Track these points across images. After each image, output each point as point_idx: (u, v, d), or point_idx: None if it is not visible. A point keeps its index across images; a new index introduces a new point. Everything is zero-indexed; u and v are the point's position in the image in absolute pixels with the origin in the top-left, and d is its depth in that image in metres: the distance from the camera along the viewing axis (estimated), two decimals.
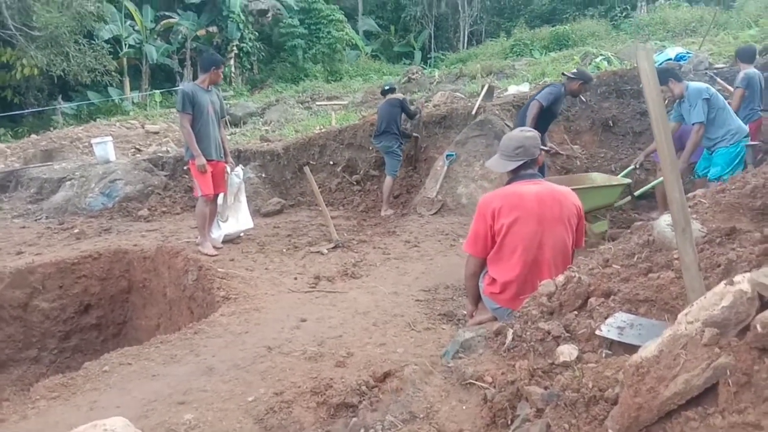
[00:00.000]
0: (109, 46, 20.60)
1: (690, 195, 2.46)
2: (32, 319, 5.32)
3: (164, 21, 23.78)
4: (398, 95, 7.35)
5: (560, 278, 2.13)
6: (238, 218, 5.97)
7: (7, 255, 5.96)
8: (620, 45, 18.74)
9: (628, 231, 2.65)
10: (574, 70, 5.92)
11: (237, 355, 3.43)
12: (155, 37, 23.52)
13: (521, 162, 2.79)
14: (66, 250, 5.95)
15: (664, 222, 2.08)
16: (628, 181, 5.29)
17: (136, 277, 5.66)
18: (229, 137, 10.45)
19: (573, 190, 4.86)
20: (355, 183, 7.80)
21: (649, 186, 5.45)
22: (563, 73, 6.09)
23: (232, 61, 24.89)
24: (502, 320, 2.78)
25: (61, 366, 5.45)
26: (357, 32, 30.08)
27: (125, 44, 21.86)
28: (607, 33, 24.17)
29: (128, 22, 22.78)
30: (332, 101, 13.43)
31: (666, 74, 5.28)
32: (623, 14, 25.71)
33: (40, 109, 19.42)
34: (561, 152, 6.36)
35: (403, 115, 7.16)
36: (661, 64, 13.41)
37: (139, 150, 11.40)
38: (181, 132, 5.19)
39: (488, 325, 2.92)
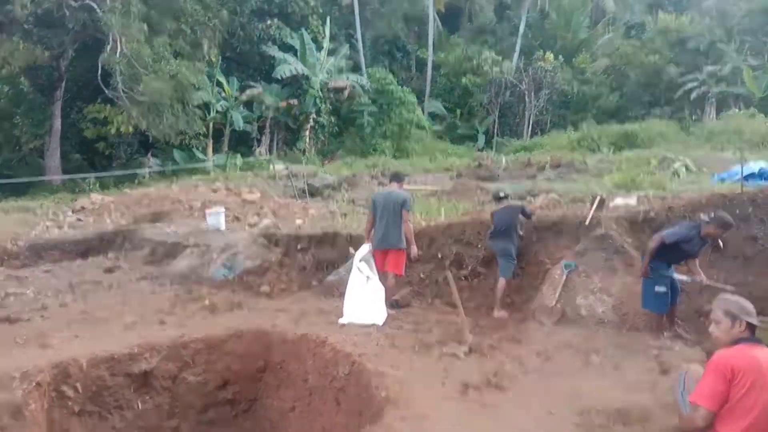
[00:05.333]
0: (199, 111, 21.99)
1: None
2: (179, 391, 5.62)
3: (249, 91, 25.29)
4: (517, 201, 7.71)
5: None
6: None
7: (150, 324, 6.36)
8: (697, 151, 18.97)
9: None
10: (711, 215, 6.07)
11: None
12: (239, 105, 24.96)
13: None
14: (206, 324, 6.31)
15: None
16: None
17: (273, 359, 5.94)
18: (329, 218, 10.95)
19: None
20: (463, 278, 8.03)
21: None
22: (700, 216, 6.28)
23: (307, 132, 26.17)
24: None
25: None
26: (423, 112, 31.27)
27: (213, 109, 23.26)
28: (676, 135, 24.50)
29: (216, 89, 24.30)
30: (422, 186, 13.93)
31: None
32: (693, 118, 26.10)
33: (138, 171, 20.61)
34: (709, 283, 6.43)
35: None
36: (746, 176, 13.56)
37: (239, 219, 12.00)
38: (407, 227, 7.25)
39: None
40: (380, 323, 6.53)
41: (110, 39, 18.37)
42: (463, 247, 8.31)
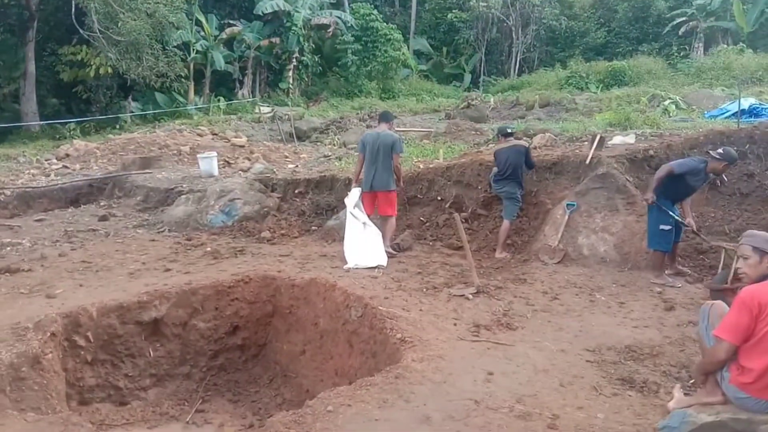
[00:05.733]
0: (180, 52, 21.19)
1: None
2: (189, 337, 5.63)
3: (229, 29, 24.36)
4: (523, 142, 7.63)
5: None
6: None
7: (154, 271, 6.31)
8: (685, 88, 18.87)
9: None
10: (720, 150, 6.03)
11: (447, 406, 3.67)
12: (220, 44, 24.08)
13: None
14: (211, 270, 6.27)
15: None
16: None
17: (281, 303, 5.95)
18: (324, 162, 10.79)
19: None
20: (464, 221, 8.02)
21: None
22: (707, 152, 6.28)
23: (290, 73, 25.47)
24: (746, 409, 2.99)
25: (208, 384, 5.75)
26: (408, 49, 30.49)
27: (193, 49, 22.44)
28: (664, 72, 24.31)
29: (195, 27, 23.35)
30: (414, 128, 13.72)
31: None
32: (680, 54, 25.83)
33: (120, 115, 19.97)
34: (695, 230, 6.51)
35: None
36: (734, 113, 13.59)
37: (229, 164, 11.79)
38: (399, 169, 7.24)
39: (724, 408, 3.14)
40: (384, 264, 6.60)
41: None
42: (462, 189, 8.28)
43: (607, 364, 4.37)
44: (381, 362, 4.74)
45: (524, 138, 10.04)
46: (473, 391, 3.87)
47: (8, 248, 7.25)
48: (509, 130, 7.74)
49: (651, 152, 7.93)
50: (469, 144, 10.95)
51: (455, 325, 5.01)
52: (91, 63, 20.23)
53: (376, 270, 6.43)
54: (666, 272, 6.20)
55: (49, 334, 4.46)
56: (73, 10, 18.21)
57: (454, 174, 8.38)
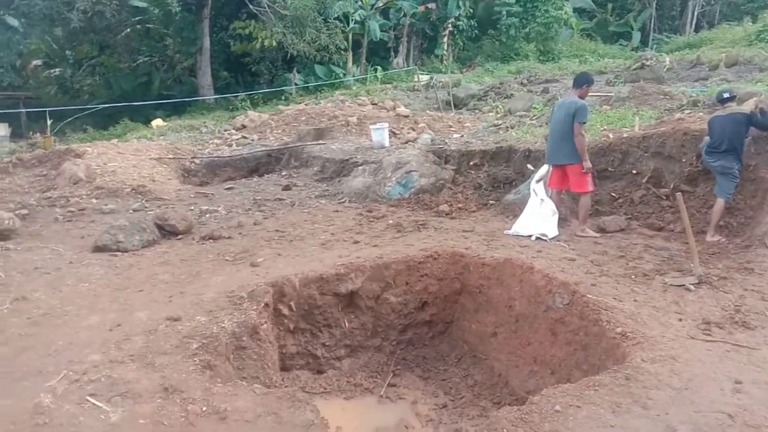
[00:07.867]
0: (340, 24, 21.62)
1: None
2: (381, 310, 5.64)
3: None
4: (744, 109, 6.62)
5: None
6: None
7: (344, 242, 6.39)
8: None
9: None
10: None
11: (696, 419, 3.21)
12: (376, 13, 24.22)
13: None
14: (398, 243, 6.21)
15: None
16: None
17: (470, 281, 5.74)
18: (493, 131, 10.33)
19: None
20: (664, 197, 7.24)
21: None
22: None
23: (445, 39, 25.00)
24: None
25: (398, 358, 5.74)
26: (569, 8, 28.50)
27: (352, 20, 22.79)
28: None
29: None
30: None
31: None
32: None
33: (284, 88, 20.95)
34: None
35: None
36: None
37: (395, 134, 11.77)
38: (578, 140, 6.44)
39: None
40: (548, 235, 6.42)
41: None
42: (662, 161, 7.42)
43: None
44: (593, 356, 4.35)
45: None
46: (723, 402, 3.36)
47: (207, 215, 7.78)
48: (726, 95, 6.73)
49: None
50: (659, 110, 9.84)
51: (680, 320, 4.43)
52: (258, 37, 21.31)
53: (532, 238, 6.37)
54: None
55: (263, 304, 4.63)
56: None
57: (652, 145, 7.52)
